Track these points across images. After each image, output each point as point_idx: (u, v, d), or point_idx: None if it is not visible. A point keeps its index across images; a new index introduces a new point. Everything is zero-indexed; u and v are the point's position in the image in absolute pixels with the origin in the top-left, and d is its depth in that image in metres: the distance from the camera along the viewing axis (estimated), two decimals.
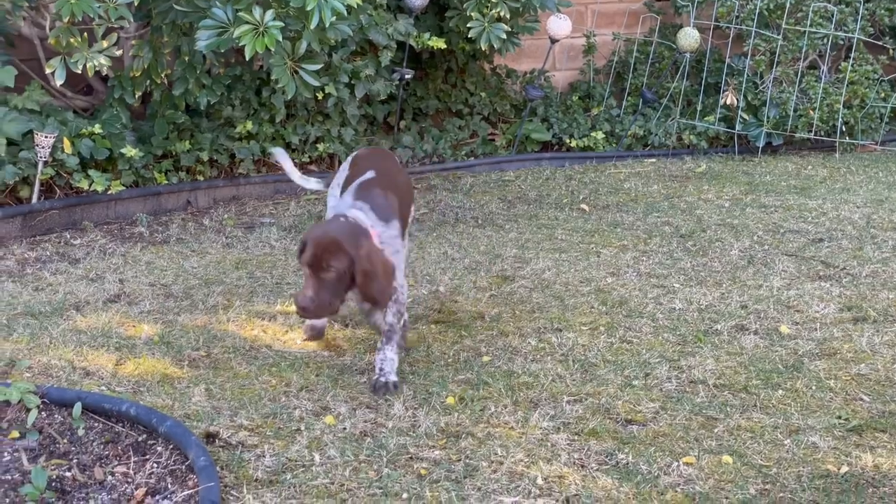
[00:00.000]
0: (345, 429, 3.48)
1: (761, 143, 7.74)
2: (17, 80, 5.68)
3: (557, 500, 3.05)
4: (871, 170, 7.23)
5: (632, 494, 3.08)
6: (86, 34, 5.53)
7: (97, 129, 5.88)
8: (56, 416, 3.55)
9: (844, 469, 3.18)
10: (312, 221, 6.01)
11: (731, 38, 8.02)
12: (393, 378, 3.76)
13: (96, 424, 3.52)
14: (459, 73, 7.74)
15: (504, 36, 6.66)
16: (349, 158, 4.24)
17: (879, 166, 7.35)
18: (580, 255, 5.36)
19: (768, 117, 7.71)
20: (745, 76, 7.86)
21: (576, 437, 3.41)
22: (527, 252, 5.40)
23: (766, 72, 7.89)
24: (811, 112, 7.68)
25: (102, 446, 3.42)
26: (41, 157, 5.57)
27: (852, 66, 7.84)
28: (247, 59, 5.19)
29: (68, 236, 5.63)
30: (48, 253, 5.36)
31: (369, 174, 3.95)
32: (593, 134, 7.73)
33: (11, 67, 5.57)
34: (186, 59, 6.08)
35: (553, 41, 7.39)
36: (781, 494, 3.07)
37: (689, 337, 4.23)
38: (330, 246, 3.51)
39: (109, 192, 5.85)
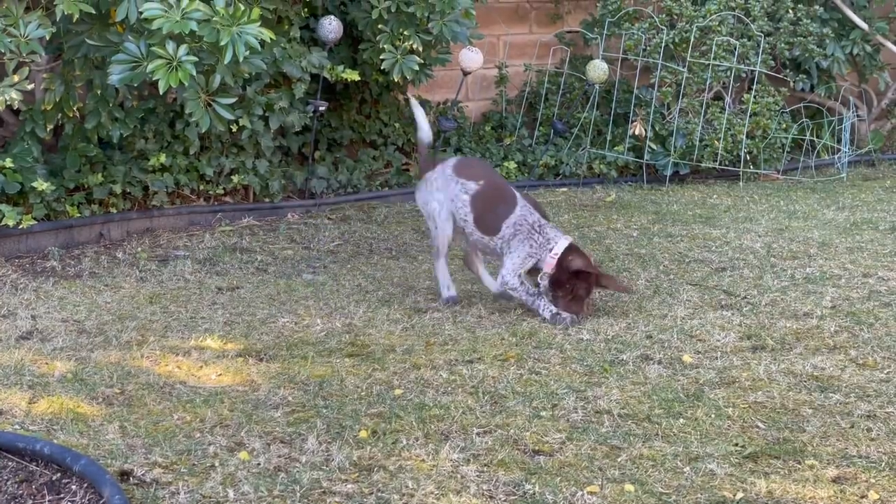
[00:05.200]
0: (259, 464, 3.54)
1: (668, 173, 7.96)
2: None
3: None
4: (773, 199, 7.48)
5: None
6: None
7: (8, 162, 5.86)
8: None
9: (740, 495, 3.32)
10: (227, 253, 6.04)
11: (638, 70, 8.24)
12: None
13: (10, 464, 3.53)
14: (373, 104, 7.84)
15: (416, 68, 6.77)
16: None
17: (781, 195, 7.60)
18: None
19: (675, 147, 7.94)
20: (653, 107, 8.08)
21: (485, 469, 3.51)
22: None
23: (672, 103, 8.12)
24: (716, 142, 7.92)
25: (17, 485, 3.43)
26: None
27: (755, 97, 8.11)
28: (161, 93, 5.22)
29: None
30: None
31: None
32: (506, 164, 7.88)
33: None
34: (99, 92, 6.09)
35: (465, 73, 7.52)
36: None
37: (595, 367, 4.36)
38: None
39: (21, 226, 5.82)
